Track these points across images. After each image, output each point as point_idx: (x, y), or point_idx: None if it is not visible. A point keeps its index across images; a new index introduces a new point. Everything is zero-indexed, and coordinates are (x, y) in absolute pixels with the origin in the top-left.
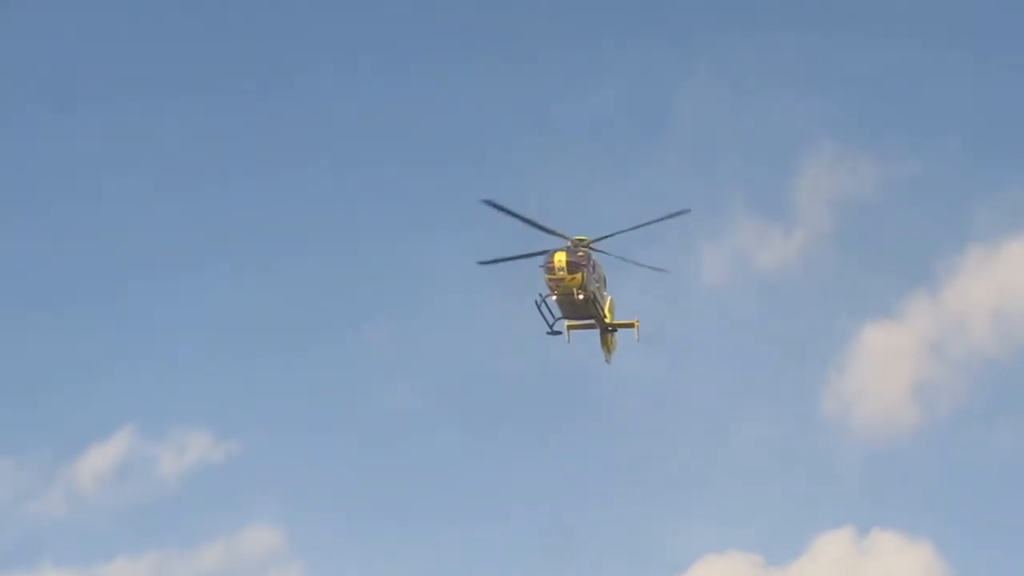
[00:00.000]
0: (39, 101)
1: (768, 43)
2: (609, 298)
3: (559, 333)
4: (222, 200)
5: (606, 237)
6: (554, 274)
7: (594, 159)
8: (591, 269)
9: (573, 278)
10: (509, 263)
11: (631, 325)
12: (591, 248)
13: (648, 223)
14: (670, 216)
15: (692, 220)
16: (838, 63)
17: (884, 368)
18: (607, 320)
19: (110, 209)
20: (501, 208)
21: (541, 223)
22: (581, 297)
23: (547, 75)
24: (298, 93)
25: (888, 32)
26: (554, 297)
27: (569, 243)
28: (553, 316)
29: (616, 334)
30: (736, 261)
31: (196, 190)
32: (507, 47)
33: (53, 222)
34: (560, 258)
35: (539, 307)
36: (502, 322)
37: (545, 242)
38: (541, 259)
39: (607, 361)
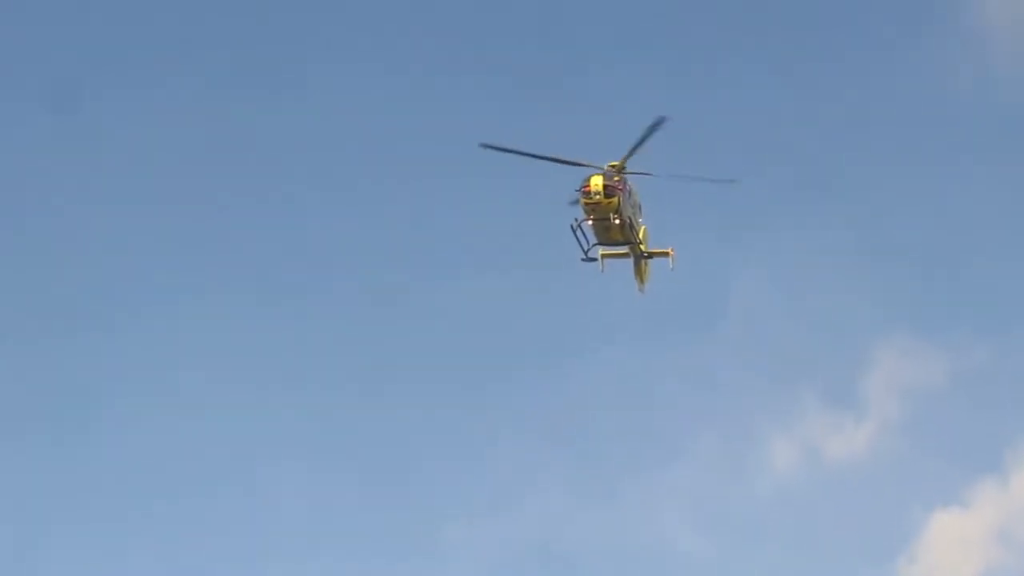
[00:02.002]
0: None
1: (823, 231)
2: (643, 227)
3: (594, 260)
4: None
5: (645, 174)
6: (590, 198)
7: (648, 348)
8: (627, 194)
9: (609, 202)
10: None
11: (666, 254)
12: (626, 173)
13: (692, 178)
14: (718, 180)
15: (759, 410)
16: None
17: (954, 556)
18: (642, 248)
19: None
20: (505, 149)
21: (565, 157)
22: (617, 222)
23: None
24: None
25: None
26: (590, 222)
27: (604, 168)
28: (588, 242)
29: (650, 263)
30: (805, 451)
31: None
32: None
33: None
34: (596, 182)
35: (575, 232)
36: None
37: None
38: (575, 184)
39: (640, 291)
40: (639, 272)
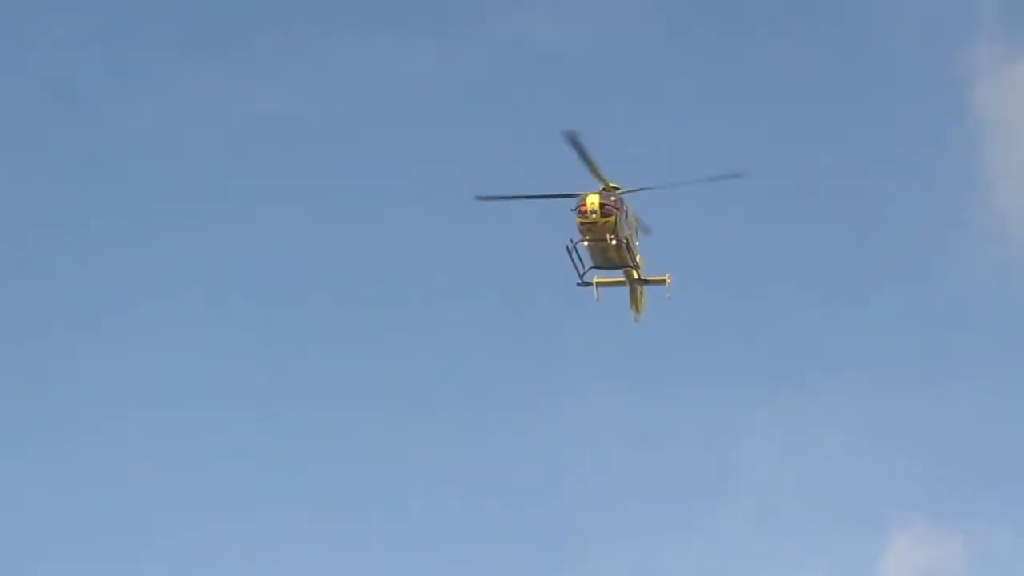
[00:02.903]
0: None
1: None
2: (639, 256)
3: (589, 284)
4: None
5: (642, 190)
6: (586, 218)
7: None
8: (624, 215)
9: (606, 222)
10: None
11: (662, 281)
12: (622, 192)
13: (694, 181)
14: (722, 178)
15: None
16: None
17: None
18: (638, 273)
19: None
20: (501, 197)
21: (561, 192)
22: (614, 242)
23: None
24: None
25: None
26: (585, 242)
27: (602, 188)
28: (584, 265)
29: (646, 292)
30: None
31: None
32: None
33: None
34: (593, 201)
35: (570, 253)
36: None
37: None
38: (572, 202)
39: (635, 320)
40: (635, 301)
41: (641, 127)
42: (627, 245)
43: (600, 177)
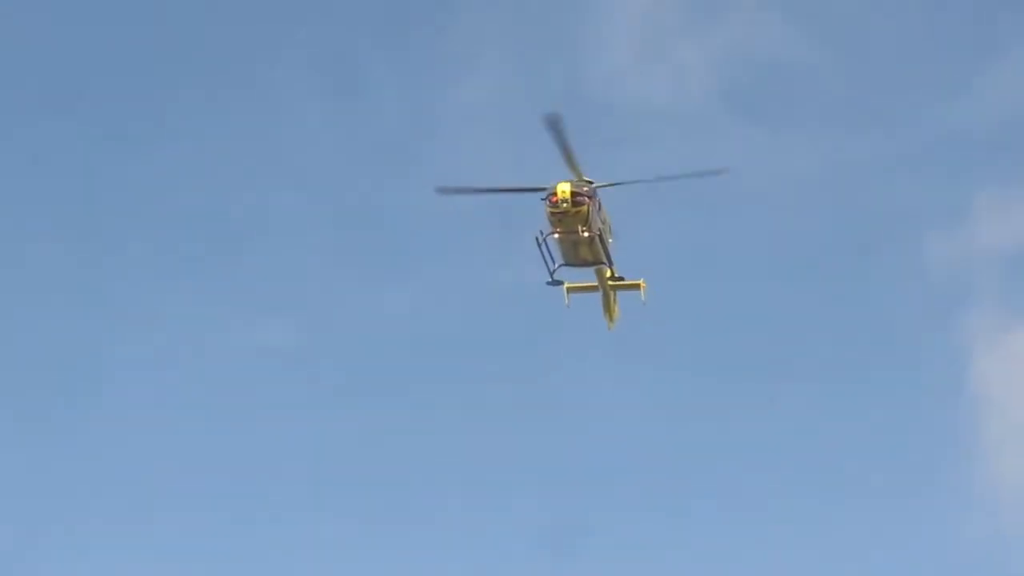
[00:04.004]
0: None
1: None
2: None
3: (560, 283)
4: None
5: (617, 184)
6: (557, 207)
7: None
8: (597, 207)
9: (578, 211)
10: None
11: (636, 286)
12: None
13: (674, 177)
14: (702, 174)
15: None
16: None
17: None
18: (612, 271)
19: None
20: (462, 190)
21: (526, 185)
22: (586, 235)
23: None
24: None
25: None
26: (556, 235)
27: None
28: (554, 261)
29: (618, 301)
30: None
31: None
32: None
33: None
34: (564, 189)
35: (540, 247)
36: None
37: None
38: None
39: (610, 329)
40: (608, 308)
41: None
42: (600, 239)
43: (575, 167)
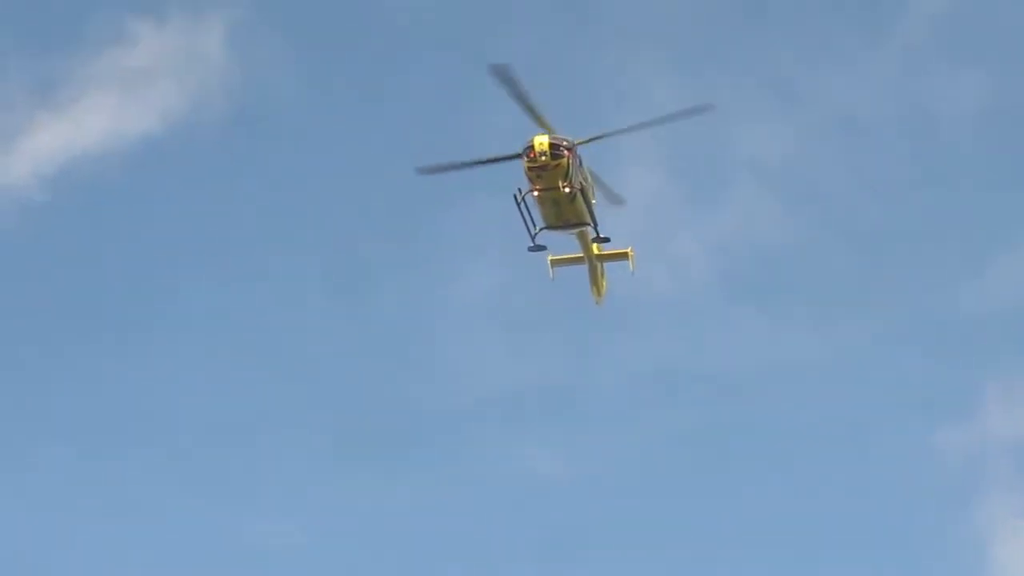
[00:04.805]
0: None
1: None
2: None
3: (542, 249)
4: None
5: (598, 138)
6: (535, 161)
7: None
8: (578, 161)
9: (558, 164)
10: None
11: (624, 256)
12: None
13: (658, 121)
14: (689, 113)
15: None
16: None
17: None
18: (596, 231)
19: None
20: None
21: (505, 154)
22: (567, 190)
23: None
24: None
25: None
26: (535, 192)
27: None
28: (535, 224)
29: (605, 273)
30: None
31: None
32: None
33: None
34: (541, 141)
35: (519, 205)
36: None
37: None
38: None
39: (598, 304)
40: (595, 281)
41: None
42: (583, 195)
43: (543, 121)
